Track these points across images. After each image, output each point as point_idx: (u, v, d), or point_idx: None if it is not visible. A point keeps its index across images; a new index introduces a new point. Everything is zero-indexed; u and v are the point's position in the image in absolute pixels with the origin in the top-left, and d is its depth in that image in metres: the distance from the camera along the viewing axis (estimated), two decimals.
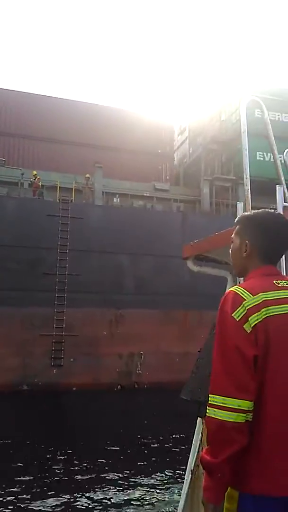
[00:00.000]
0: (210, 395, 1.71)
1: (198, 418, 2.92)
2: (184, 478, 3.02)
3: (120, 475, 9.91)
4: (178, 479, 9.34)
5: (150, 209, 19.91)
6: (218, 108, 24.99)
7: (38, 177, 18.31)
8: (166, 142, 24.56)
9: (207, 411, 1.71)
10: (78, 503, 8.45)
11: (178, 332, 18.02)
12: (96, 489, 9.04)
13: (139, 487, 9.25)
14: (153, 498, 8.85)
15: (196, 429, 2.92)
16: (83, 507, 8.30)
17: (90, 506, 8.36)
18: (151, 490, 9.19)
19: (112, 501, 8.61)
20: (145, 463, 10.78)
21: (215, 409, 1.67)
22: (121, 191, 20.04)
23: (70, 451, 11.29)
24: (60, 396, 15.63)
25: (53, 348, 16.46)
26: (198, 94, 27.95)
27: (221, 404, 1.66)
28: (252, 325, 1.70)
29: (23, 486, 9.10)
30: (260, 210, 2.01)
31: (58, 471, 10.12)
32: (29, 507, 8.20)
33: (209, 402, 1.70)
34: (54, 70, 72.93)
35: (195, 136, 26.49)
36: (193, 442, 2.93)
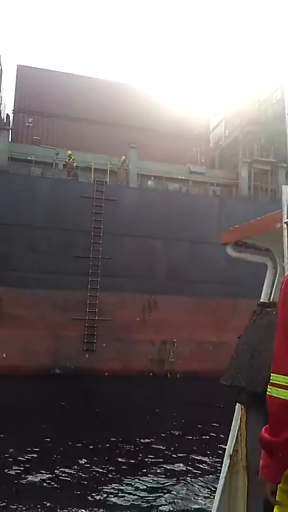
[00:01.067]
0: (272, 374, 1.72)
1: (237, 403, 2.85)
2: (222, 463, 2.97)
3: (153, 461, 9.51)
4: (213, 468, 8.94)
5: (185, 192, 19.20)
6: (257, 88, 23.82)
7: (72, 157, 17.85)
8: (201, 124, 23.65)
9: (268, 390, 1.72)
10: (107, 493, 8.10)
11: (212, 321, 17.47)
12: (131, 476, 8.66)
13: (174, 474, 8.87)
14: (189, 484, 8.48)
15: (235, 415, 2.86)
16: (116, 494, 7.97)
17: (124, 493, 8.03)
18: (187, 477, 8.79)
19: (148, 486, 8.26)
20: (180, 450, 10.35)
21: (278, 388, 1.68)
22: (156, 174, 19.38)
23: (98, 439, 10.93)
24: (92, 380, 15.42)
25: (85, 333, 16.20)
26: (235, 73, 26.75)
27: (285, 383, 1.67)
28: None
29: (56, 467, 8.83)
30: None
31: (87, 458, 9.79)
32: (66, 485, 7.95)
33: (271, 381, 1.71)
34: (88, 50, 72.05)
35: (231, 117, 25.41)
36: (232, 428, 2.87)
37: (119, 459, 9.59)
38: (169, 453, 10.07)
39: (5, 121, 19.96)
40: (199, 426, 11.93)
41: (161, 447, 10.43)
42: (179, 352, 17.03)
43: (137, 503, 7.74)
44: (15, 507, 7.18)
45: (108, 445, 10.32)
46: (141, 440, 10.75)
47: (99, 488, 8.13)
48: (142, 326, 16.80)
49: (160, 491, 8.20)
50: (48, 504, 7.32)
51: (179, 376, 16.73)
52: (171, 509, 7.56)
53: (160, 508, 7.59)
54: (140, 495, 7.99)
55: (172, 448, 10.34)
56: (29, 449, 9.69)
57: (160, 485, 8.46)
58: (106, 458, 9.58)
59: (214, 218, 18.18)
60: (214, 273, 17.41)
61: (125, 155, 18.58)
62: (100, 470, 8.96)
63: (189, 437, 11.30)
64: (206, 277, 17.38)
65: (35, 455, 9.43)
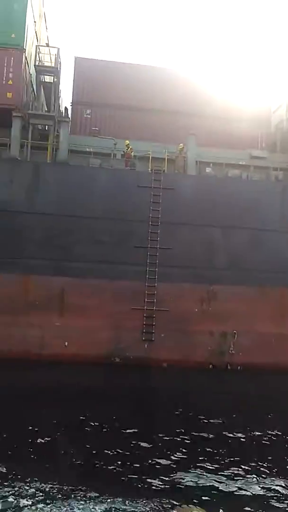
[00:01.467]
0: None
1: None
2: None
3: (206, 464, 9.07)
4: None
5: (246, 178, 18.50)
6: None
7: (130, 147, 17.80)
8: (261, 106, 22.57)
9: None
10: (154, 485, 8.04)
11: (274, 312, 16.85)
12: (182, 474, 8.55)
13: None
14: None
15: None
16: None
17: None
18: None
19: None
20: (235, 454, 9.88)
21: None
22: (215, 160, 18.84)
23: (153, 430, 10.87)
24: (150, 371, 15.50)
25: (144, 323, 16.25)
26: None
27: None
28: None
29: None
30: None
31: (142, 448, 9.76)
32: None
33: None
34: (140, 37, 71.56)
35: None
36: None
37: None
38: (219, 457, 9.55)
39: (64, 114, 20.30)
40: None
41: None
42: (240, 344, 16.60)
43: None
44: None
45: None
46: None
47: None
48: (201, 316, 16.55)
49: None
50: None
51: (240, 368, 16.34)
52: None
53: None
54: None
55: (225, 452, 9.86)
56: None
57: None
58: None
59: (277, 204, 17.40)
60: (277, 262, 16.72)
61: (183, 143, 18.21)
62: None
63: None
64: (269, 266, 16.74)
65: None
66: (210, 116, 20.18)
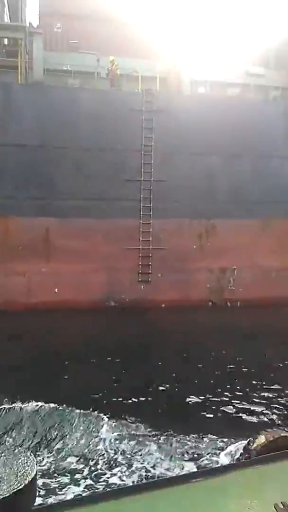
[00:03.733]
0: None
1: None
2: None
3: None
4: None
5: (245, 99, 16.62)
6: None
7: (116, 63, 15.41)
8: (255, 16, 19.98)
9: None
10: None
11: (276, 245, 15.94)
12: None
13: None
14: None
15: None
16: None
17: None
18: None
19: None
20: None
21: None
22: (211, 79, 16.74)
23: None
24: (148, 313, 14.66)
25: (139, 263, 15.10)
26: None
27: None
28: None
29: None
30: None
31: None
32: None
33: None
34: None
35: None
36: None
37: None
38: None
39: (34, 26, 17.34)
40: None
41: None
42: (240, 279, 15.80)
43: None
44: None
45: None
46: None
47: None
48: (199, 253, 15.49)
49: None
50: None
51: (239, 304, 15.68)
52: None
53: None
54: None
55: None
56: None
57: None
58: None
59: (279, 127, 15.81)
60: (281, 191, 15.51)
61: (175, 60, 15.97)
62: None
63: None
64: (272, 197, 15.51)
65: None
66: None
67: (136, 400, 8.72)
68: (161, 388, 9.33)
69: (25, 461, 1.65)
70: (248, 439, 4.54)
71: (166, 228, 15.09)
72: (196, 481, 2.42)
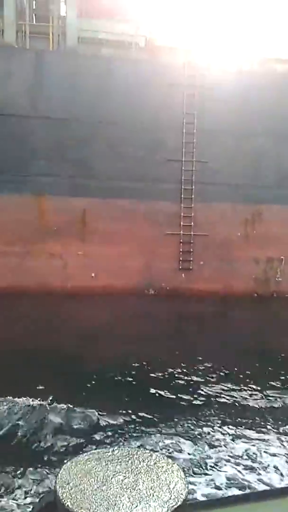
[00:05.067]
0: None
1: None
2: None
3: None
4: None
5: None
6: None
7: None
8: None
9: None
10: None
11: None
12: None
13: None
14: None
15: None
16: None
17: None
18: None
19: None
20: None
21: None
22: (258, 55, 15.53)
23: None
24: (189, 302, 13.53)
25: (181, 250, 13.90)
26: None
27: None
28: None
29: None
30: None
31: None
32: None
33: None
34: None
35: None
36: None
37: None
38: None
39: None
40: None
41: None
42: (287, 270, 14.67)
43: None
44: None
45: None
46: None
47: None
48: (244, 241, 14.33)
49: None
50: None
51: (287, 296, 14.55)
52: None
53: None
54: None
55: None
56: None
57: None
58: None
59: None
60: None
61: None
62: None
63: None
64: None
65: None
66: None
67: None
68: None
69: (170, 469, 1.40)
70: None
71: (209, 214, 13.90)
72: None
